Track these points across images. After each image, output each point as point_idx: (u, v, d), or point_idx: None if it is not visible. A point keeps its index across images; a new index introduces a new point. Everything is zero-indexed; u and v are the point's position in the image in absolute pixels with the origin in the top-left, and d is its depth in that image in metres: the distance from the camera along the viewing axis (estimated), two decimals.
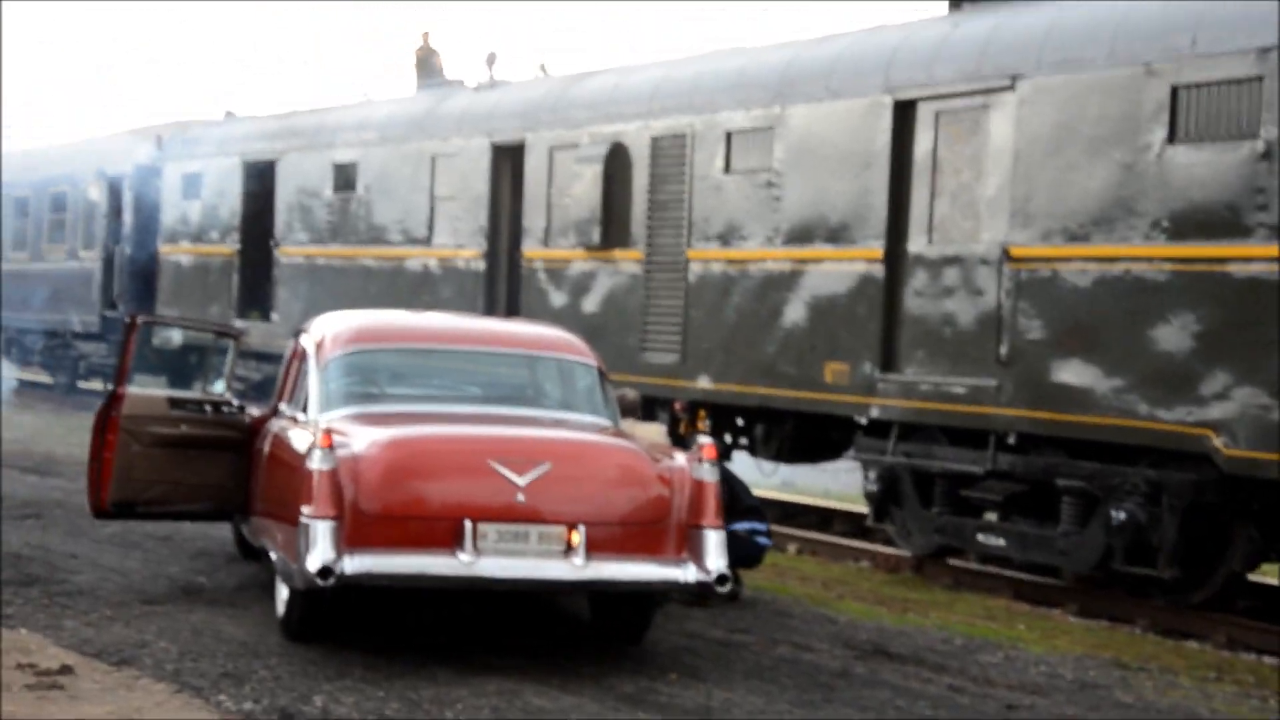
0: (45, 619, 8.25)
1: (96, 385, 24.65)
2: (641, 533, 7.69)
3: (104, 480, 9.36)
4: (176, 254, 21.43)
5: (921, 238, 11.64)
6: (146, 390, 9.68)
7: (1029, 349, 10.73)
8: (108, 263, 23.51)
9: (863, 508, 13.07)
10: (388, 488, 7.51)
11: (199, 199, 20.97)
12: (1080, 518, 10.55)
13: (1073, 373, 10.43)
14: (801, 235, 12.52)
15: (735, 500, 9.78)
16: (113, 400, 9.38)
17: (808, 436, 13.19)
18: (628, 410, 10.39)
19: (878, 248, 11.84)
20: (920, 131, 11.65)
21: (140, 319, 9.86)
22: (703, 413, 13.52)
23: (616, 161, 14.20)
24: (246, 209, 19.96)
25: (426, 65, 20.45)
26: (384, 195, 17.43)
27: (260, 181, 19.67)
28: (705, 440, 8.05)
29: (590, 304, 14.62)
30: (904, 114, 11.74)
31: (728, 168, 13.21)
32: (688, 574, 7.66)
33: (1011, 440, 10.95)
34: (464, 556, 7.42)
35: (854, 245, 12.06)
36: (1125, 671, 8.68)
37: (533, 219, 15.35)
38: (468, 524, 7.45)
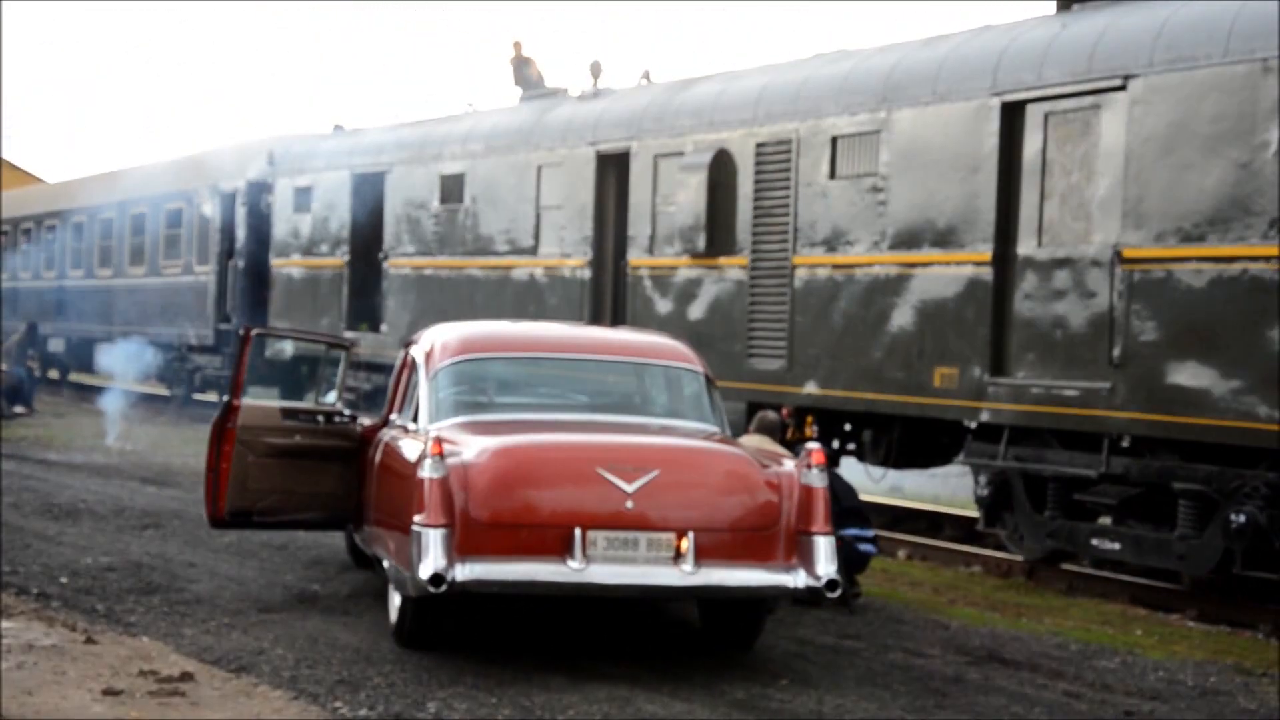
0: (166, 626, 8.45)
1: (211, 397, 25.16)
2: (750, 539, 7.70)
3: (220, 490, 9.56)
4: (288, 267, 21.80)
5: (1031, 240, 11.51)
6: (260, 401, 9.86)
7: (1143, 351, 10.56)
8: (221, 276, 23.96)
9: (973, 512, 12.95)
10: (498, 495, 7.59)
11: (309, 212, 21.31)
12: (1198, 521, 10.36)
13: (1188, 374, 10.25)
14: (908, 239, 12.44)
15: (839, 505, 9.75)
16: (228, 412, 9.57)
17: (916, 441, 13.09)
18: (767, 431, 10.36)
19: (986, 251, 11.74)
20: (1029, 133, 11.53)
21: (254, 332, 10.06)
22: (810, 418, 13.48)
23: (721, 168, 14.22)
24: (356, 221, 20.24)
25: (522, 74, 20.63)
26: (490, 206, 17.60)
27: (369, 194, 19.94)
28: (813, 445, 8.04)
29: (695, 311, 14.65)
30: (1012, 116, 11.62)
31: (833, 173, 13.16)
32: (797, 579, 7.65)
33: (1125, 443, 10.79)
34: (574, 563, 7.48)
35: (962, 249, 11.95)
36: (1248, 677, 8.51)
37: (638, 227, 15.41)
38: (577, 531, 7.50)
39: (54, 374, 32.38)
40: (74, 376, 31.78)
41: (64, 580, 9.66)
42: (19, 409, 23.53)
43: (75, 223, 30.52)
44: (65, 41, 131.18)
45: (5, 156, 78.59)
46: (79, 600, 9.07)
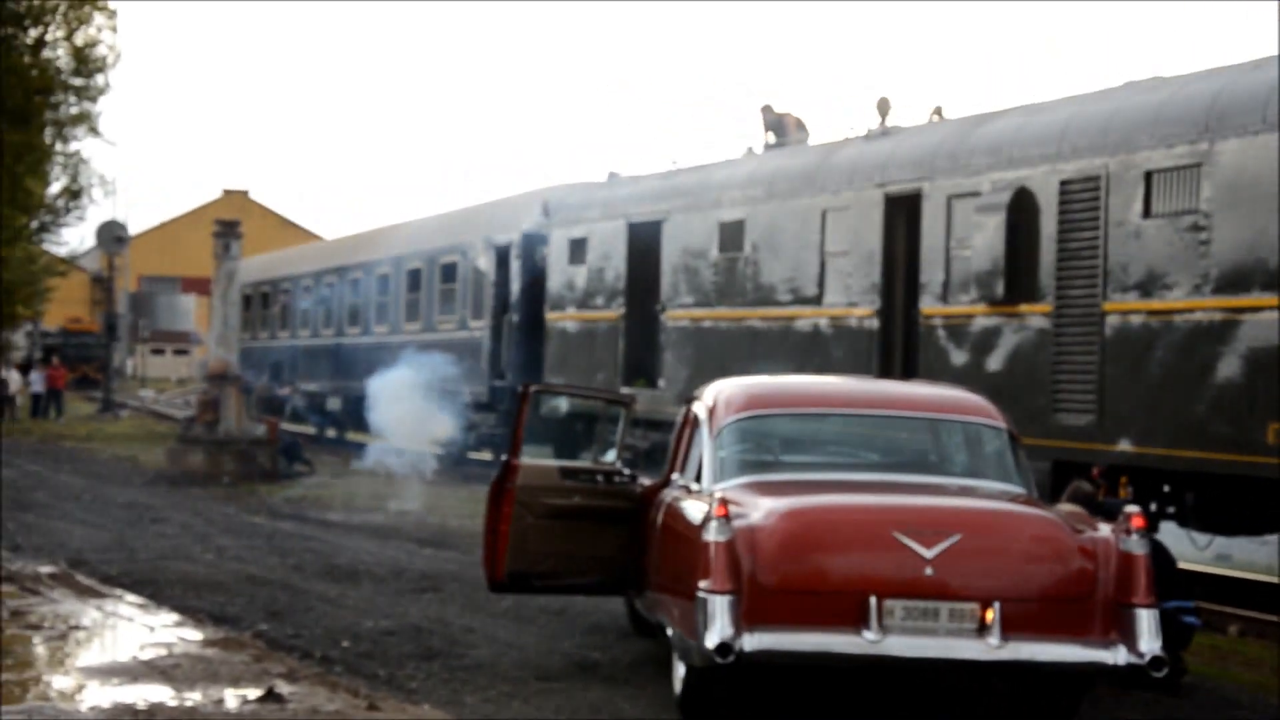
0: (446, 694, 8.66)
1: (486, 455, 25.84)
2: (1063, 610, 7.46)
3: (499, 552, 9.76)
4: (562, 321, 22.27)
5: None
6: (540, 460, 10.04)
7: None
8: (496, 331, 24.62)
9: None
10: (787, 560, 7.54)
11: (584, 264, 21.73)
12: None
13: None
14: (1235, 282, 11.92)
15: (1160, 574, 9.36)
16: (507, 471, 9.79)
17: (1247, 504, 12.49)
18: (1082, 503, 10.03)
19: None
20: None
21: (533, 388, 10.28)
22: (1124, 479, 13.01)
23: (1021, 208, 13.93)
24: (631, 272, 20.55)
25: (778, 129, 20.76)
26: (771, 253, 17.65)
27: (645, 243, 20.22)
28: (1132, 509, 7.75)
29: (994, 362, 14.34)
30: None
31: (1148, 211, 12.74)
32: (1117, 656, 7.37)
33: None
34: (869, 634, 7.37)
35: None
36: None
37: (930, 273, 15.21)
38: (872, 600, 7.40)
39: (331, 432, 33.83)
40: (350, 435, 33.11)
41: (346, 644, 10.03)
42: (298, 466, 24.65)
43: (352, 279, 31.88)
44: (342, 104, 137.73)
45: (287, 215, 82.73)
46: (361, 665, 9.40)
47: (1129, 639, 7.38)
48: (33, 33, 39.89)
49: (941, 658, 7.42)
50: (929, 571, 7.45)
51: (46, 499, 19.60)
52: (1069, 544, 7.61)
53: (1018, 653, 7.38)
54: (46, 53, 40.33)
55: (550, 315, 22.59)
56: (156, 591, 12.07)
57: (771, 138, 20.33)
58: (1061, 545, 7.62)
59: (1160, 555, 9.62)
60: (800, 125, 20.40)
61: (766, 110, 20.73)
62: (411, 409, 25.47)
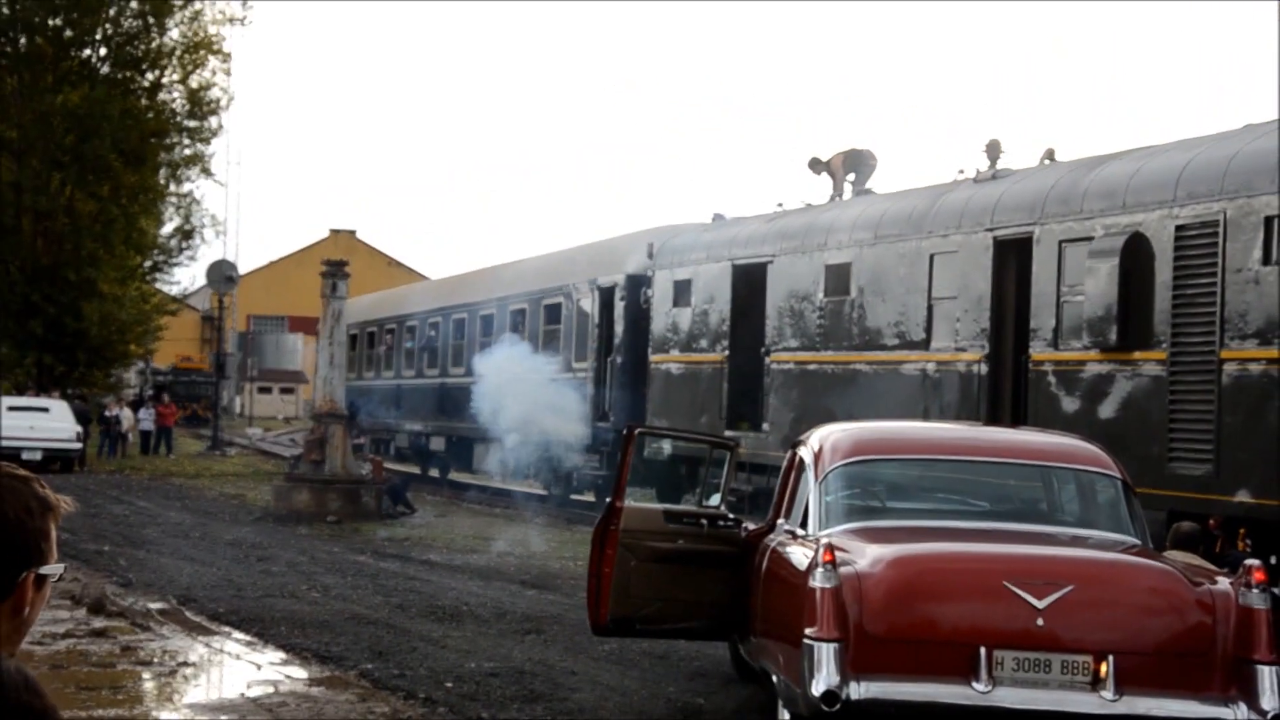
0: None
1: (589, 497, 25.90)
2: (1180, 665, 7.32)
3: (603, 596, 9.76)
4: (666, 363, 22.31)
5: None
6: (644, 504, 10.06)
7: None
8: (599, 373, 24.69)
9: None
10: (895, 608, 7.47)
11: (689, 306, 21.77)
12: None
13: None
14: None
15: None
16: (611, 514, 9.80)
17: None
18: (1186, 544, 9.87)
19: None
20: None
21: (637, 430, 10.30)
22: (1243, 530, 12.75)
23: (1135, 254, 13.75)
24: (736, 315, 20.56)
25: (838, 176, 20.85)
26: (878, 297, 17.57)
27: (749, 286, 20.23)
28: (1252, 562, 7.60)
29: (1106, 410, 14.14)
30: None
31: (1268, 257, 12.52)
32: (1237, 713, 7.22)
33: None
34: (979, 686, 7.28)
35: None
36: None
37: (1040, 318, 15.06)
38: (982, 650, 7.31)
39: (434, 473, 34.10)
40: (454, 475, 33.36)
41: (449, 685, 10.08)
42: (401, 508, 24.85)
43: (456, 319, 32.17)
44: (450, 144, 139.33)
45: (394, 254, 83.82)
46: (464, 707, 9.44)
47: (1249, 696, 7.22)
48: (149, 76, 40.86)
49: (1054, 710, 7.30)
50: (1040, 623, 7.34)
51: (156, 535, 19.93)
52: (1186, 596, 7.47)
53: (1133, 707, 7.24)
54: (162, 96, 41.26)
55: (654, 357, 22.63)
56: (263, 629, 12.22)
57: (832, 185, 20.69)
58: (1178, 597, 7.48)
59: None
60: (850, 160, 20.60)
61: (814, 164, 20.94)
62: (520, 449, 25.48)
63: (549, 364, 26.74)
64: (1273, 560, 12.75)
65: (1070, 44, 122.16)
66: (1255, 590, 7.41)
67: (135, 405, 45.11)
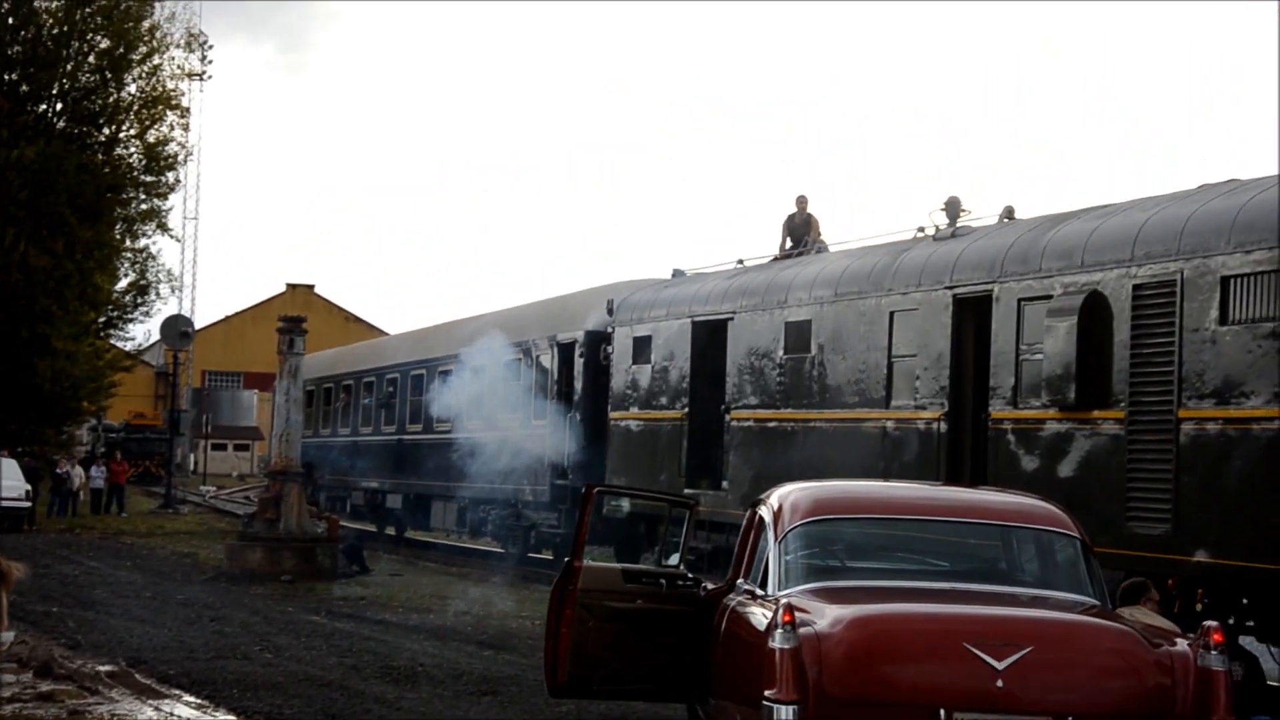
0: None
1: (547, 555, 25.78)
2: None
3: (560, 655, 9.71)
4: (625, 420, 22.28)
5: None
6: (603, 563, 10.02)
7: None
8: (558, 430, 24.63)
9: None
10: (855, 669, 7.46)
11: (648, 363, 21.77)
12: None
13: None
14: None
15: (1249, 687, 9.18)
16: (569, 573, 9.76)
17: None
18: (1134, 597, 9.88)
19: None
20: None
21: (595, 489, 10.27)
22: (1200, 591, 12.80)
23: (1093, 313, 13.86)
24: (696, 371, 20.57)
25: (800, 233, 21.03)
26: (838, 354, 17.63)
27: (710, 343, 20.26)
28: (1211, 624, 7.62)
29: (1065, 468, 14.20)
30: None
31: (1224, 318, 12.64)
32: None
33: None
34: None
35: None
36: None
37: (1000, 377, 15.13)
38: (942, 712, 7.30)
39: (391, 530, 33.90)
40: (411, 533, 33.17)
41: None
42: (356, 567, 24.67)
43: (414, 376, 32.10)
44: (408, 199, 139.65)
45: (352, 309, 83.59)
46: None
47: None
48: (106, 131, 40.73)
49: None
50: (1000, 684, 7.34)
51: (106, 596, 19.72)
52: (1145, 658, 7.49)
53: None
54: (119, 150, 41.14)
55: (614, 414, 22.60)
56: (214, 691, 12.09)
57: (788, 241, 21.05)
58: (1138, 659, 7.50)
59: (1251, 668, 9.44)
60: (819, 238, 20.97)
61: (799, 216, 21.36)
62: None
63: (508, 420, 26.68)
64: (1230, 621, 12.81)
65: (1032, 100, 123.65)
66: (1214, 652, 7.44)
67: (87, 463, 44.73)
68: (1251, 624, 12.87)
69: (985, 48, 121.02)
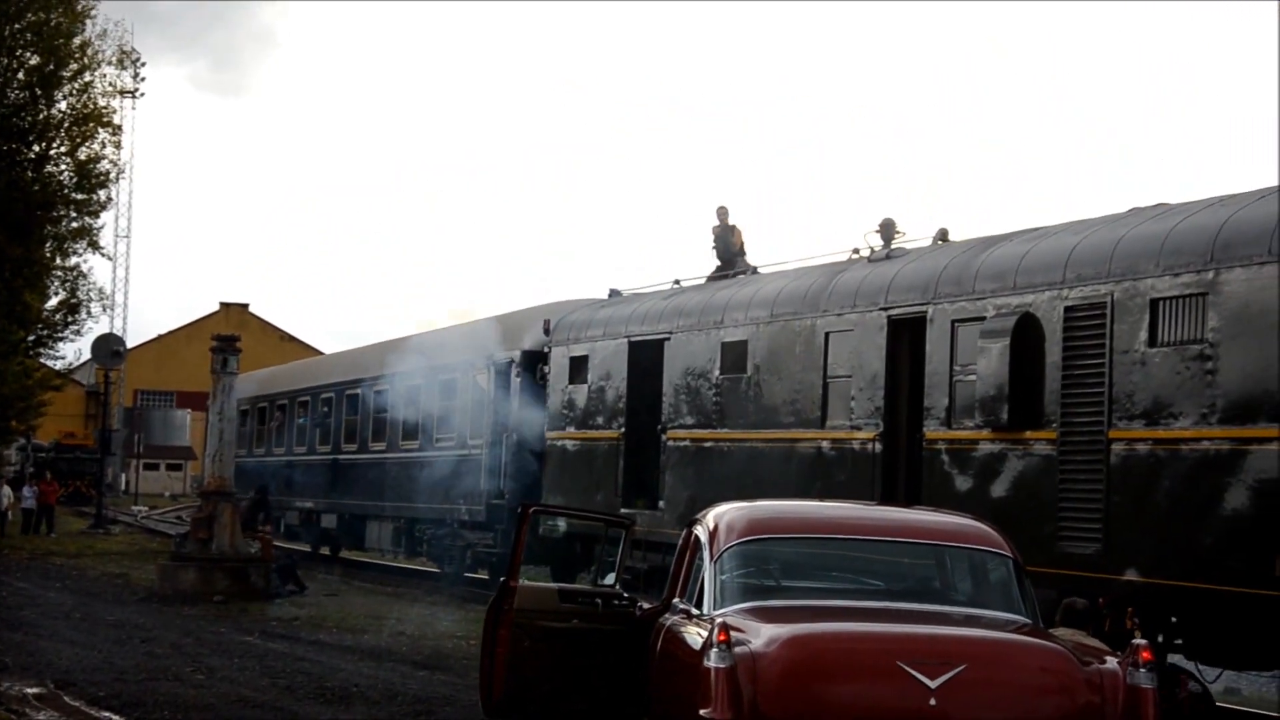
0: None
1: (483, 576, 25.72)
2: None
3: (496, 675, 9.71)
4: (562, 439, 22.27)
5: None
6: (538, 583, 10.04)
7: None
8: (494, 450, 24.59)
9: None
10: (789, 689, 7.51)
11: (585, 382, 21.78)
12: None
13: None
14: (1241, 413, 11.96)
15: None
16: (505, 593, 9.76)
17: (1257, 638, 12.41)
18: (1076, 621, 10.01)
19: None
20: None
21: (532, 509, 10.29)
22: (1130, 610, 12.94)
23: (1025, 334, 14.01)
24: (632, 392, 20.59)
25: (725, 242, 21.20)
26: (774, 375, 17.71)
27: (646, 363, 20.28)
28: (1140, 642, 7.73)
29: (998, 488, 14.34)
30: None
31: (1153, 339, 12.82)
32: None
33: None
34: None
35: None
36: None
37: (934, 397, 15.26)
38: None
39: (326, 550, 33.69)
40: (346, 552, 32.98)
41: None
42: (291, 587, 24.51)
43: (349, 395, 31.95)
44: (344, 218, 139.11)
45: (286, 328, 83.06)
46: None
47: None
48: (36, 148, 40.28)
49: None
50: (933, 702, 7.41)
51: (34, 617, 19.48)
52: (1076, 676, 7.58)
53: None
54: (49, 168, 40.69)
55: (550, 434, 22.59)
56: (145, 714, 11.98)
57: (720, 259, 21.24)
58: (1069, 677, 7.58)
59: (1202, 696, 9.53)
60: (743, 249, 21.15)
61: (721, 229, 21.66)
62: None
63: (444, 440, 26.63)
64: (1159, 639, 12.97)
65: (967, 122, 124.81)
66: (1143, 670, 7.54)
67: (16, 483, 44.17)
68: (1180, 642, 13.04)
69: (937, 50, 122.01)
